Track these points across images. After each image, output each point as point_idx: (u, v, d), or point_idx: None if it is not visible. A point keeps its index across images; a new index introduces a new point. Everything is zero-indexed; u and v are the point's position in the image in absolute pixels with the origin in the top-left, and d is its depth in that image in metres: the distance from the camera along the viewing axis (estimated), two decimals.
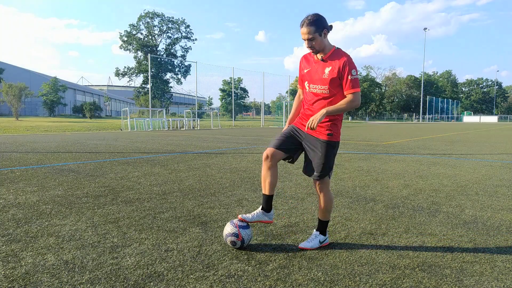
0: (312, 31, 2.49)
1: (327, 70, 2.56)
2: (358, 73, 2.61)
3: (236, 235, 2.60)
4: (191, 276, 2.22)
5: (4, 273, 2.23)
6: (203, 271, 2.29)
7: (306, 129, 2.57)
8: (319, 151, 2.62)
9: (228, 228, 2.65)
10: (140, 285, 2.10)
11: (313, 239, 2.71)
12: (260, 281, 2.16)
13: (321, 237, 2.73)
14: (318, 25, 2.50)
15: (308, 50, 2.66)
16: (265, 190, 2.72)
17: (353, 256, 2.55)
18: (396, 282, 2.18)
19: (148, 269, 2.31)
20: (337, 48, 2.62)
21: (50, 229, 3.03)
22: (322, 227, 2.75)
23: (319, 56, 2.63)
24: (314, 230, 2.79)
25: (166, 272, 2.27)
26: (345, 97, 2.57)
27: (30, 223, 3.18)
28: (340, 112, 2.56)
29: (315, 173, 2.65)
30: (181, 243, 2.75)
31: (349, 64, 2.51)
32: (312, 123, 2.48)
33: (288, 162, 2.80)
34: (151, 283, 2.12)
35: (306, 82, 2.71)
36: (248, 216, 2.71)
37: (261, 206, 2.76)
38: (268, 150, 2.67)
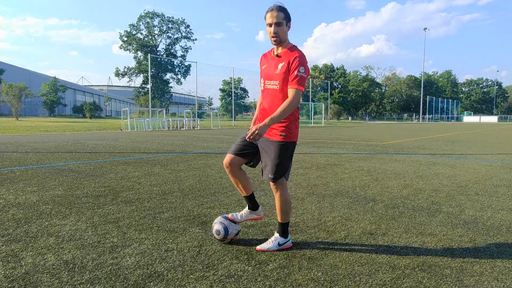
0: (282, 17, 2.49)
1: (280, 65, 2.54)
2: (309, 74, 2.58)
3: (222, 224, 2.75)
4: (191, 276, 2.22)
5: (4, 273, 2.23)
6: (203, 271, 2.29)
7: (247, 138, 2.43)
8: (272, 152, 2.56)
9: (217, 220, 2.82)
10: (140, 285, 2.10)
11: (272, 241, 2.65)
12: (260, 281, 2.16)
13: (281, 239, 2.65)
14: (287, 14, 2.52)
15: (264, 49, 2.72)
16: (243, 193, 2.85)
17: (353, 256, 2.55)
18: (396, 282, 2.18)
19: (148, 269, 2.31)
20: (294, 45, 2.60)
21: (50, 229, 3.03)
22: (282, 229, 2.69)
23: (275, 52, 2.60)
24: (275, 232, 2.74)
25: (166, 272, 2.27)
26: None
27: (30, 223, 3.18)
28: (283, 116, 2.43)
29: (269, 175, 2.58)
30: (181, 243, 2.75)
31: (300, 60, 2.47)
32: (254, 135, 2.38)
33: (249, 166, 2.83)
34: (151, 283, 2.12)
35: (262, 79, 2.68)
36: (237, 216, 2.83)
37: (247, 206, 2.88)
38: (226, 159, 2.72)
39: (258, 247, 2.65)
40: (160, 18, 63.57)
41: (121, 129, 21.13)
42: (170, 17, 64.23)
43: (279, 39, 2.52)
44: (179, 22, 64.32)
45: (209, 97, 73.49)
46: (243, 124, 35.90)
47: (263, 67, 2.70)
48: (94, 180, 5.14)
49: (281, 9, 2.50)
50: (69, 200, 4.03)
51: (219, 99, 75.60)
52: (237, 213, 2.88)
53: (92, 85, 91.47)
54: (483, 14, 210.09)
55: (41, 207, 3.71)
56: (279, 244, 2.65)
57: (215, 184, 4.95)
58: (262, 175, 2.67)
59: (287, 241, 2.69)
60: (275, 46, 2.61)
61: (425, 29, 66.68)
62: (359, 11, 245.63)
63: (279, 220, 2.70)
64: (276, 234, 2.70)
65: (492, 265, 2.43)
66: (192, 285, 2.11)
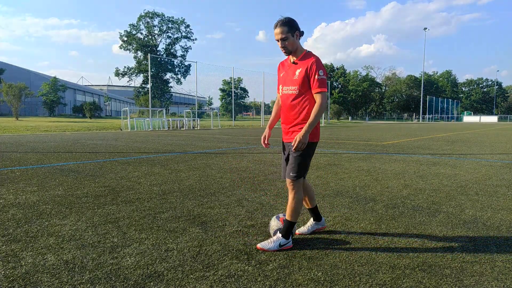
0: (285, 31, 2.62)
1: (297, 71, 2.69)
2: (327, 75, 2.74)
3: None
4: (191, 276, 2.22)
5: (4, 273, 2.23)
6: (203, 271, 2.29)
7: (293, 150, 2.64)
8: (296, 152, 2.67)
9: (276, 224, 2.86)
10: (140, 285, 2.10)
11: (274, 241, 2.66)
12: (260, 281, 2.16)
13: (283, 240, 2.66)
14: (290, 26, 2.63)
15: (283, 56, 2.83)
16: (307, 205, 3.01)
17: (353, 256, 2.55)
18: (396, 282, 2.18)
19: (148, 269, 2.31)
20: (308, 51, 2.74)
21: (50, 229, 3.03)
22: (286, 229, 2.69)
23: (291, 59, 2.76)
24: (278, 232, 2.74)
25: (166, 272, 2.27)
26: (312, 97, 2.68)
27: (30, 223, 3.18)
28: (318, 120, 2.63)
29: (291, 174, 2.67)
30: (181, 243, 2.75)
31: (317, 64, 2.62)
32: (300, 145, 2.59)
33: None
34: (151, 283, 2.12)
35: (281, 86, 2.84)
36: (304, 229, 3.01)
37: (311, 218, 3.05)
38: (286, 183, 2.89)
39: (258, 245, 2.66)
40: (160, 18, 63.58)
41: (121, 129, 21.13)
42: (170, 17, 64.30)
43: (289, 50, 2.69)
44: (179, 22, 64.33)
45: (209, 97, 73.38)
46: (243, 124, 35.91)
47: (281, 75, 2.86)
48: (94, 180, 5.14)
49: (283, 24, 2.62)
50: (69, 200, 4.03)
51: (219, 99, 75.62)
52: (302, 226, 3.06)
53: (92, 85, 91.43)
54: (483, 14, 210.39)
55: (41, 207, 3.71)
56: (280, 245, 2.65)
57: (215, 184, 4.95)
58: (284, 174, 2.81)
59: (288, 242, 2.69)
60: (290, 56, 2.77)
61: (425, 29, 66.68)
62: (359, 11, 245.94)
63: (288, 218, 2.72)
64: (279, 234, 2.70)
65: (492, 265, 2.43)
66: (192, 285, 2.11)
